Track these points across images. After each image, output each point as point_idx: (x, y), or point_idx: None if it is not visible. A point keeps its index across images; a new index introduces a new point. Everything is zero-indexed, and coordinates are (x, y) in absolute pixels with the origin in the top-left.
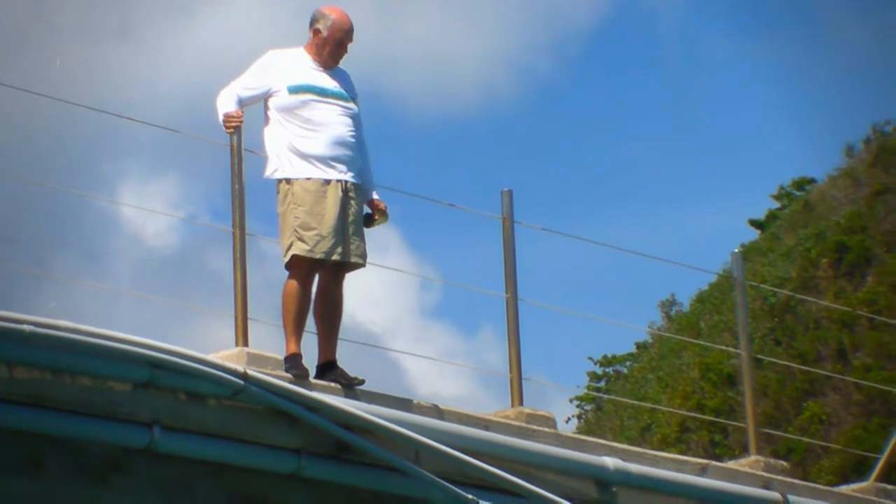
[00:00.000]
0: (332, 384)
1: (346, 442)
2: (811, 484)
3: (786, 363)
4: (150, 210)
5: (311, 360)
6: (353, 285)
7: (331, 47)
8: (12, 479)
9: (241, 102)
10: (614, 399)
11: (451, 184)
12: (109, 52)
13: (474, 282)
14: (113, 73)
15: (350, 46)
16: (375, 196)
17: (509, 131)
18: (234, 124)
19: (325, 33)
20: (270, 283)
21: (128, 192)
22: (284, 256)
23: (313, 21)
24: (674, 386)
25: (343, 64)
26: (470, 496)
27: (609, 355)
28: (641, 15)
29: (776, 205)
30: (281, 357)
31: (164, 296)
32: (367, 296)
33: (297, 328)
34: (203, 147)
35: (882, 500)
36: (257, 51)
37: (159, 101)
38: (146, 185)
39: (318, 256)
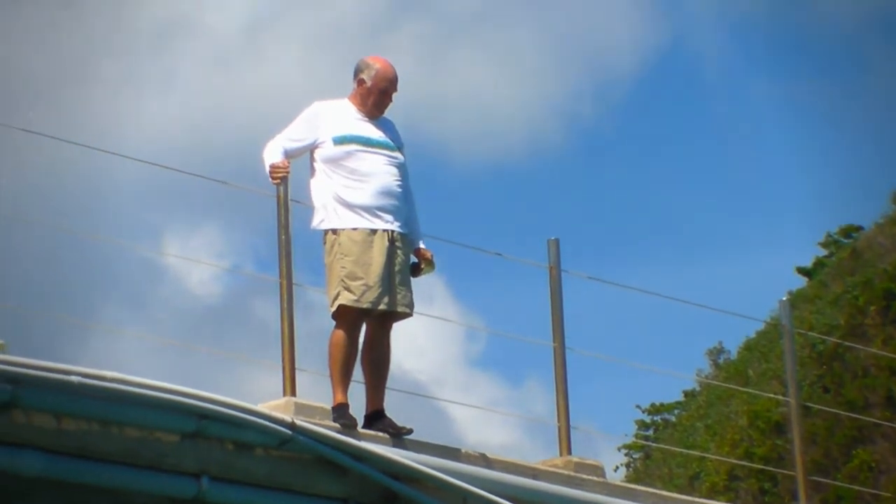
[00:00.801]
0: (380, 434)
1: (394, 491)
2: None
3: (834, 411)
4: (196, 261)
5: (358, 410)
6: (400, 334)
7: (375, 97)
8: None
9: (288, 154)
10: (663, 447)
11: (496, 231)
12: (152, 102)
13: (520, 331)
14: (156, 124)
15: (395, 96)
16: (422, 245)
17: (554, 177)
18: (280, 175)
19: (369, 83)
20: (317, 333)
21: (172, 241)
22: (331, 306)
23: (358, 71)
24: (722, 434)
25: (388, 111)
26: None
27: (657, 403)
28: (686, 59)
29: (824, 252)
30: (328, 407)
31: (209, 345)
32: (414, 345)
33: (345, 378)
34: (245, 197)
35: None
36: (298, 100)
37: (200, 151)
38: (190, 235)
39: (364, 306)
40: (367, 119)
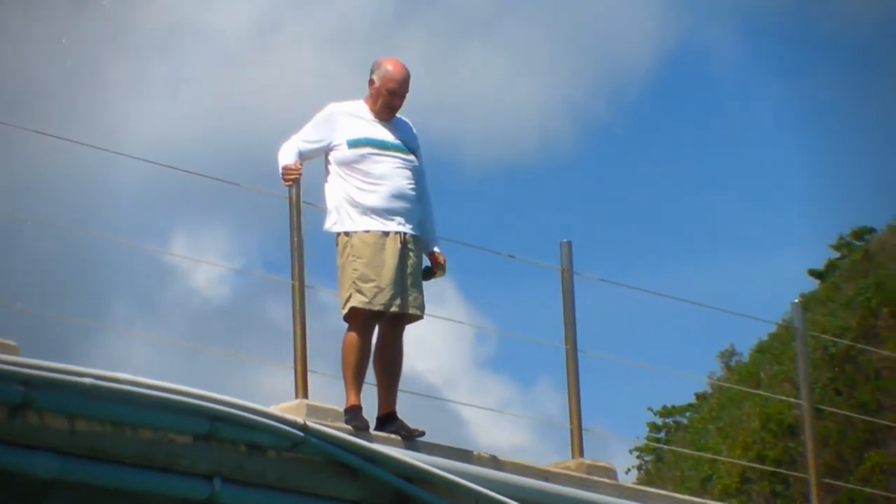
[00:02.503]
0: (393, 436)
1: (406, 493)
2: None
3: (847, 413)
4: (207, 262)
5: (371, 412)
6: (411, 336)
7: (384, 98)
8: None
9: (302, 156)
10: (674, 450)
11: (507, 232)
12: (161, 105)
13: (531, 333)
14: (165, 126)
15: (407, 97)
16: (436, 249)
17: (567, 178)
18: (292, 177)
19: (377, 83)
20: (328, 333)
21: (180, 243)
22: (343, 308)
23: (371, 71)
24: (734, 436)
25: (402, 112)
26: None
27: (669, 406)
28: (699, 58)
29: (836, 254)
30: (341, 409)
31: (219, 347)
32: (425, 347)
33: (357, 380)
34: (256, 199)
35: None
36: (308, 101)
37: (208, 153)
38: (199, 237)
39: (376, 308)
40: (381, 121)
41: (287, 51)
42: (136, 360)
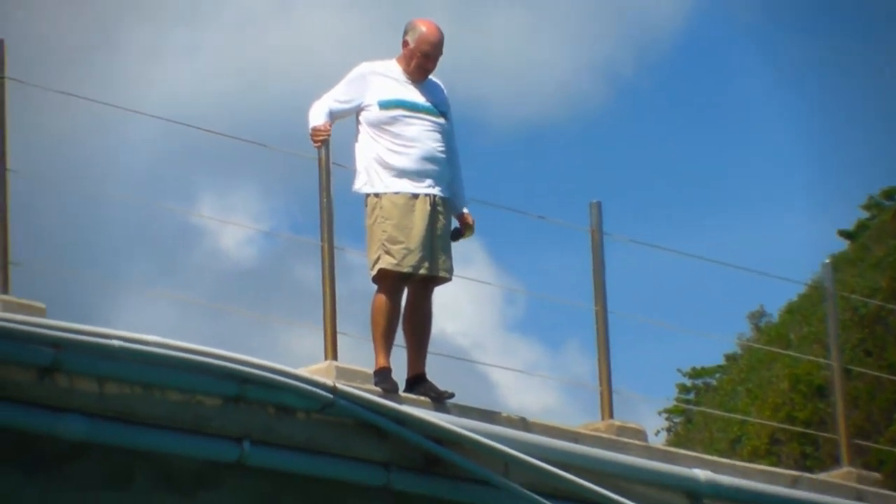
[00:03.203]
0: (422, 398)
1: (435, 455)
2: None
3: (876, 374)
4: (235, 223)
5: (400, 374)
6: (440, 298)
7: (418, 59)
8: (103, 494)
9: (333, 115)
10: (704, 411)
11: (535, 192)
12: (182, 68)
13: (559, 295)
14: (185, 90)
15: (440, 60)
16: (465, 210)
17: (595, 137)
18: (321, 138)
19: (412, 45)
20: (357, 294)
21: (207, 205)
22: (372, 270)
23: (404, 32)
24: (763, 398)
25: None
26: None
27: (698, 367)
28: (728, 15)
29: (866, 215)
30: (370, 371)
31: (248, 308)
32: (453, 309)
33: (387, 342)
34: (281, 161)
35: None
36: (333, 62)
37: (230, 116)
38: (225, 199)
39: (405, 270)
40: (413, 82)
41: (307, 12)
42: (162, 321)
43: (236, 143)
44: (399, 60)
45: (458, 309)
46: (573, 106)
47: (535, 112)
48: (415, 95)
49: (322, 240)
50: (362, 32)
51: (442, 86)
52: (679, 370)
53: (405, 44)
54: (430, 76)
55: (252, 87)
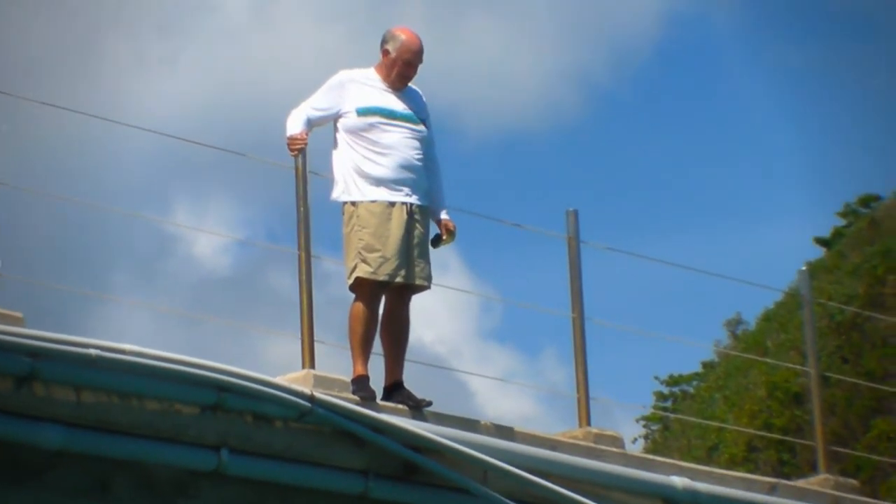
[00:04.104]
0: (400, 406)
1: (413, 463)
2: (880, 502)
3: (853, 381)
4: (210, 232)
5: (377, 382)
6: (417, 306)
7: (399, 68)
8: (81, 502)
9: (311, 123)
10: (681, 418)
11: (510, 200)
12: (158, 79)
13: (535, 302)
14: (165, 101)
15: (420, 68)
16: (444, 216)
17: (571, 145)
18: (298, 147)
19: (393, 54)
20: (333, 302)
21: (182, 214)
22: (349, 278)
23: (383, 41)
24: (741, 405)
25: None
26: None
27: (675, 374)
28: (703, 23)
29: (842, 222)
30: (348, 379)
31: (224, 316)
32: (429, 317)
33: (364, 350)
34: (256, 170)
35: None
36: (311, 73)
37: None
38: (202, 208)
39: (381, 278)
40: (391, 90)
41: (285, 23)
42: (138, 330)
43: (212, 153)
44: (378, 69)
45: (435, 317)
46: (550, 114)
47: (511, 120)
48: (393, 103)
49: (299, 248)
50: (340, 43)
51: (421, 93)
52: (656, 377)
53: (385, 53)
54: (409, 84)
55: (228, 97)
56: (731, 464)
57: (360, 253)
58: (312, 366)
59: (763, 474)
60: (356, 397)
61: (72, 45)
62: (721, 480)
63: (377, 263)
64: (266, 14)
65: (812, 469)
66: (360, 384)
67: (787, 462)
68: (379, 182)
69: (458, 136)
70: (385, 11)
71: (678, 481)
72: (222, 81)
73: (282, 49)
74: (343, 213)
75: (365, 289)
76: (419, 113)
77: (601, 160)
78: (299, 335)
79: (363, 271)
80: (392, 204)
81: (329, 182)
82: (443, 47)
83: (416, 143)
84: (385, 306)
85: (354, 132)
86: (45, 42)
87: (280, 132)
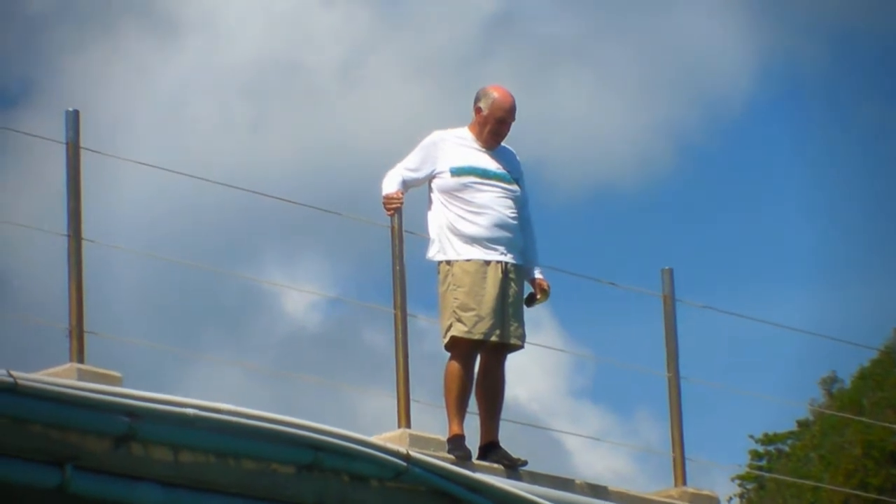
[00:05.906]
0: (495, 465)
1: None
2: None
3: None
4: (303, 290)
5: (473, 441)
6: (512, 365)
7: (492, 125)
8: None
9: (406, 184)
10: (776, 477)
11: (602, 258)
12: (246, 142)
13: (627, 360)
14: (251, 161)
15: (513, 126)
16: (538, 275)
17: (664, 201)
18: (394, 206)
19: (486, 112)
20: (427, 358)
21: (273, 272)
22: (444, 337)
23: (476, 100)
24: (836, 464)
25: (507, 140)
26: None
27: (770, 433)
28: (795, 77)
29: None
30: (443, 438)
31: (315, 375)
32: (523, 375)
33: (460, 409)
34: (345, 229)
35: None
36: (401, 133)
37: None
38: (293, 266)
39: (476, 337)
40: (485, 149)
41: (374, 84)
42: (229, 387)
43: (302, 212)
44: (471, 128)
45: (529, 375)
46: (642, 169)
47: (602, 175)
48: (486, 162)
49: (395, 307)
50: (430, 102)
51: (515, 153)
52: (751, 436)
53: (478, 111)
54: (503, 143)
55: (315, 159)
56: None
57: (455, 312)
58: (408, 425)
59: None
60: (452, 457)
61: (157, 108)
62: None
63: (472, 322)
64: (353, 74)
65: None
66: (456, 443)
67: None
68: (474, 241)
69: (548, 191)
70: (473, 68)
71: None
72: (311, 144)
73: (370, 110)
74: (438, 273)
75: (460, 348)
76: (513, 172)
77: (696, 216)
78: (394, 393)
79: (458, 330)
80: (487, 263)
81: (423, 241)
82: (533, 100)
83: (510, 203)
84: (480, 365)
85: (449, 192)
86: (133, 103)
87: (371, 192)
